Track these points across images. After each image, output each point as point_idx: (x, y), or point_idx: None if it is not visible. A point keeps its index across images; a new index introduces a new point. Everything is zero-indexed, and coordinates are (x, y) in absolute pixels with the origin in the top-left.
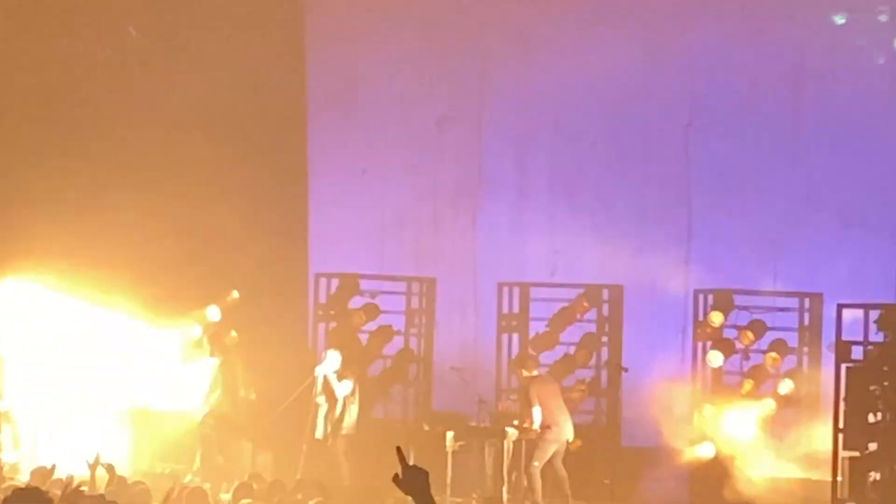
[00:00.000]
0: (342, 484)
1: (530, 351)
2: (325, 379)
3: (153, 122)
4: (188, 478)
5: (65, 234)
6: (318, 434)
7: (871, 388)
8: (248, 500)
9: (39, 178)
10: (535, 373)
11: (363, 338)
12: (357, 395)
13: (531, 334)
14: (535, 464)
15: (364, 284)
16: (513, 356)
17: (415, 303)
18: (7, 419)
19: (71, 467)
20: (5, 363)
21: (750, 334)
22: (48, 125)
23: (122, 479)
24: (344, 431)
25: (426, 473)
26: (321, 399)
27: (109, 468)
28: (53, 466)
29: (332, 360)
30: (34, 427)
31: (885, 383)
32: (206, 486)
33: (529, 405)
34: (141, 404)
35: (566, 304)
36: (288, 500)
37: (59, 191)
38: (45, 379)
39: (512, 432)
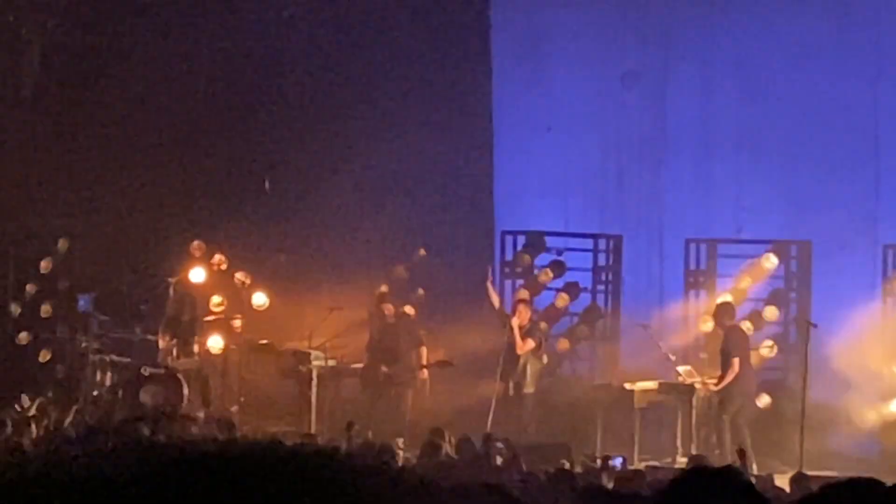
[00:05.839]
0: (529, 440)
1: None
2: (512, 332)
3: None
4: None
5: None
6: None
7: None
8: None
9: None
10: (733, 323)
11: (550, 295)
12: (543, 353)
13: (718, 290)
14: (724, 417)
15: (550, 241)
16: (700, 312)
17: (601, 259)
18: (197, 377)
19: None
20: None
21: None
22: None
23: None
24: (526, 389)
25: None
26: (505, 353)
27: None
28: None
29: (520, 315)
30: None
31: None
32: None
33: (726, 355)
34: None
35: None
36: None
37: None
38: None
39: (699, 388)
